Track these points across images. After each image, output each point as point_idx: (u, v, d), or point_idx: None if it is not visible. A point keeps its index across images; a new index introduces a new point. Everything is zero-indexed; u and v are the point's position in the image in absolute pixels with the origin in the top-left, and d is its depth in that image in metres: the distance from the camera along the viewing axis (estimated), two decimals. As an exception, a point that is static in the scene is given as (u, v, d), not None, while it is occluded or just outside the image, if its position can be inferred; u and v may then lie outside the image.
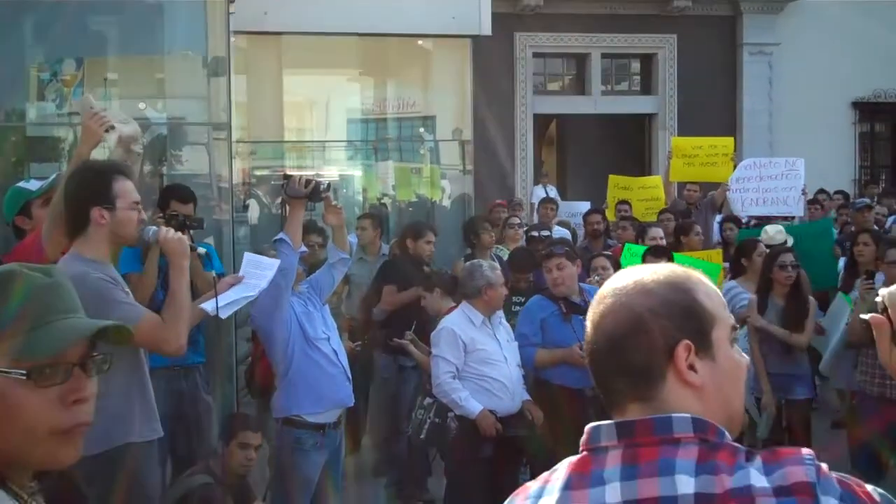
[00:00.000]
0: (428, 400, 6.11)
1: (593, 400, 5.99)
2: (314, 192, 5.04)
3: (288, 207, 5.16)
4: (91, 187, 3.71)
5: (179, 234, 3.89)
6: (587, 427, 1.58)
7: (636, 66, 17.13)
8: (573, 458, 1.58)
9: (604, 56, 16.52)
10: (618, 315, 1.60)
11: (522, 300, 6.77)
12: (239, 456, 5.23)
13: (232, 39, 7.95)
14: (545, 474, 1.62)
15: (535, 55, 16.19)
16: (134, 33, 8.21)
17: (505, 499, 1.67)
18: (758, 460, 1.46)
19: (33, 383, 1.51)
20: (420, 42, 13.53)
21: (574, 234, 10.38)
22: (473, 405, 5.67)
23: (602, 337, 1.61)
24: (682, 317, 1.57)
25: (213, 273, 4.55)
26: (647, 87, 16.94)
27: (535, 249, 7.63)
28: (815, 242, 8.43)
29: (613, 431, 1.54)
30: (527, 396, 5.98)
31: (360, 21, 11.55)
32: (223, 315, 4.29)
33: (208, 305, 4.15)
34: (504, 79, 15.43)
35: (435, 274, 6.81)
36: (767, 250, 7.30)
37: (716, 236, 10.28)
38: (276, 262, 4.69)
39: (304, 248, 5.24)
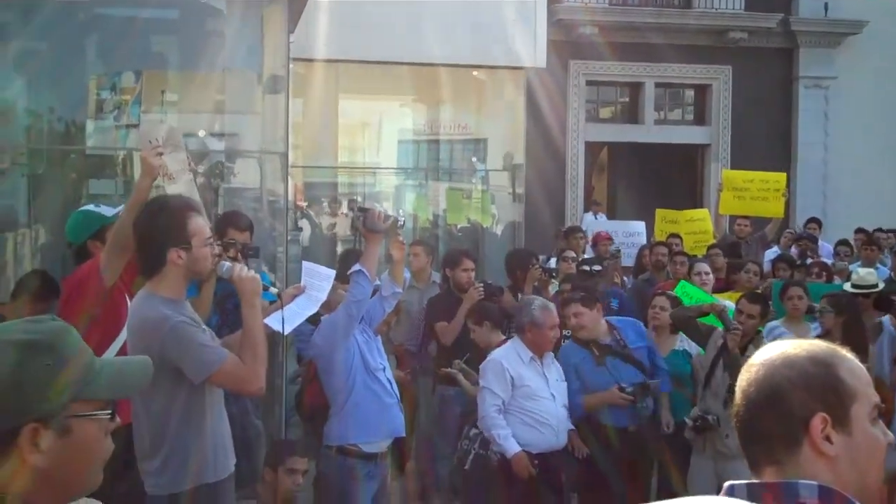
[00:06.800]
0: (474, 431, 6.12)
1: (635, 436, 6.03)
2: (391, 227, 5.15)
3: (364, 240, 5.24)
4: (167, 228, 3.67)
5: (252, 272, 3.86)
6: (725, 485, 1.69)
7: (690, 95, 17.07)
8: None
9: (657, 85, 16.49)
10: (761, 384, 1.71)
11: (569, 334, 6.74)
12: (287, 482, 5.28)
13: (291, 66, 8.05)
14: None
15: (589, 83, 16.20)
16: (192, 50, 8.33)
17: None
18: None
19: (104, 421, 1.65)
20: (475, 73, 13.59)
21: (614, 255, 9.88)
22: (511, 445, 5.65)
23: (746, 403, 1.74)
24: (820, 390, 1.67)
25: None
26: (700, 118, 16.87)
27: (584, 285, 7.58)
28: None
29: (745, 491, 1.65)
30: (572, 428, 5.98)
31: (416, 51, 11.64)
32: (286, 330, 4.34)
33: (272, 322, 4.16)
34: (557, 106, 15.41)
35: (484, 307, 6.81)
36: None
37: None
38: (332, 273, 4.75)
39: (377, 282, 5.31)
